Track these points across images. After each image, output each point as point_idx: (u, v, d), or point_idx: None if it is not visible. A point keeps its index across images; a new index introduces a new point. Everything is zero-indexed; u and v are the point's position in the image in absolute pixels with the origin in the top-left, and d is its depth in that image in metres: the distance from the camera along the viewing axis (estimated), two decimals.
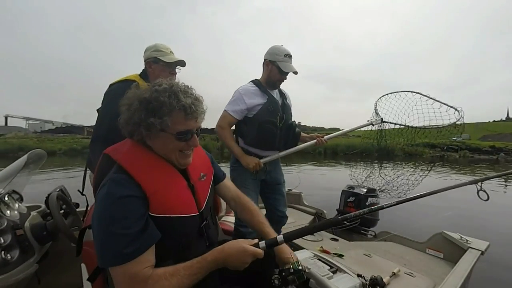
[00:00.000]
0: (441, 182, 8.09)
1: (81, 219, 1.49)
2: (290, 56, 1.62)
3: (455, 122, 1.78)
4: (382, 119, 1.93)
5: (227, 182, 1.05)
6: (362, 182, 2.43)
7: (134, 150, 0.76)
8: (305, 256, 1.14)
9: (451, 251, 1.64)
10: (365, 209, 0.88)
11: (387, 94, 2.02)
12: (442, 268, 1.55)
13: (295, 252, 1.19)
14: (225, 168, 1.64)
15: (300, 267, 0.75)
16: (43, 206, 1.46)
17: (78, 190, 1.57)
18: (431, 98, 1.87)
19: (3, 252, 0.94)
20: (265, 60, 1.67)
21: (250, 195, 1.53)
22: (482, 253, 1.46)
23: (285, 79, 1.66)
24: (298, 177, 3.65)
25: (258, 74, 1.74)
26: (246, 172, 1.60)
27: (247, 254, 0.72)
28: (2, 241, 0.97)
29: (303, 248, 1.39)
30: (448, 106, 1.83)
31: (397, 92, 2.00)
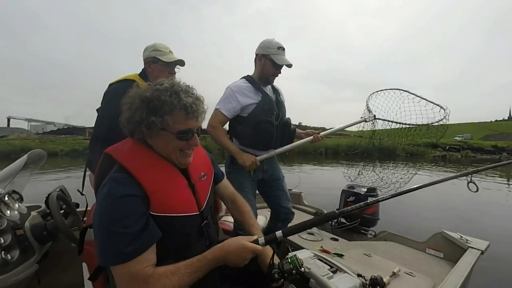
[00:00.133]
0: (447, 184, 8.09)
1: (81, 219, 1.49)
2: (283, 49, 1.56)
3: (441, 119, 1.77)
4: (374, 116, 1.91)
5: (225, 181, 1.07)
6: (354, 179, 2.43)
7: (135, 149, 0.77)
8: (305, 256, 1.14)
9: (451, 251, 1.64)
10: (361, 203, 0.89)
11: (377, 92, 2.02)
12: (442, 268, 1.55)
13: (295, 252, 1.19)
14: (222, 169, 1.64)
15: (294, 258, 0.76)
16: (43, 206, 1.46)
17: (78, 190, 1.57)
18: (418, 96, 1.88)
19: (3, 252, 0.95)
20: (257, 55, 1.60)
21: (248, 198, 1.52)
22: (482, 252, 1.46)
23: (280, 73, 1.59)
24: (298, 177, 3.65)
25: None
26: (243, 174, 1.56)
27: (247, 250, 0.73)
28: (2, 241, 0.97)
29: (303, 248, 1.39)
30: (435, 104, 1.83)
31: (386, 89, 2.00)
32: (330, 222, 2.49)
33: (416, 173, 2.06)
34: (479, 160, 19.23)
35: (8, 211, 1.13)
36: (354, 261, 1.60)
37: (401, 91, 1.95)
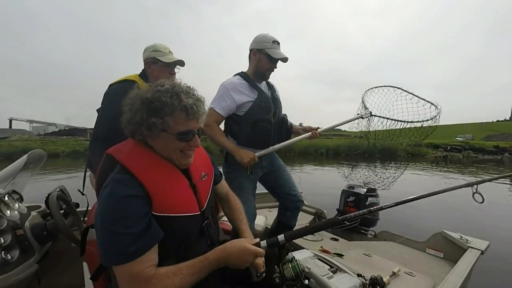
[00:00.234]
0: (443, 181, 8.09)
1: (82, 218, 1.49)
2: (278, 43, 1.52)
3: (435, 116, 1.77)
4: (371, 112, 1.90)
5: (223, 181, 1.10)
6: (347, 176, 2.44)
7: (136, 150, 0.77)
8: (305, 256, 1.14)
9: (451, 251, 1.64)
10: (364, 210, 0.89)
11: (371, 88, 2.02)
12: (442, 268, 1.55)
13: (295, 252, 1.19)
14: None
15: (295, 263, 0.76)
16: (43, 206, 1.46)
17: (79, 190, 1.58)
18: (411, 93, 1.88)
19: (3, 252, 0.95)
20: (251, 50, 1.55)
21: (248, 198, 1.50)
22: (482, 252, 1.46)
23: (275, 67, 1.55)
24: (298, 177, 3.65)
25: None
26: (241, 174, 1.53)
27: (249, 253, 0.73)
28: (2, 241, 0.97)
29: (303, 248, 1.39)
30: (426, 101, 1.83)
31: (380, 86, 2.00)
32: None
33: (406, 168, 2.07)
34: (481, 161, 19.19)
35: (8, 211, 1.13)
36: (354, 261, 1.60)
37: (395, 89, 1.95)
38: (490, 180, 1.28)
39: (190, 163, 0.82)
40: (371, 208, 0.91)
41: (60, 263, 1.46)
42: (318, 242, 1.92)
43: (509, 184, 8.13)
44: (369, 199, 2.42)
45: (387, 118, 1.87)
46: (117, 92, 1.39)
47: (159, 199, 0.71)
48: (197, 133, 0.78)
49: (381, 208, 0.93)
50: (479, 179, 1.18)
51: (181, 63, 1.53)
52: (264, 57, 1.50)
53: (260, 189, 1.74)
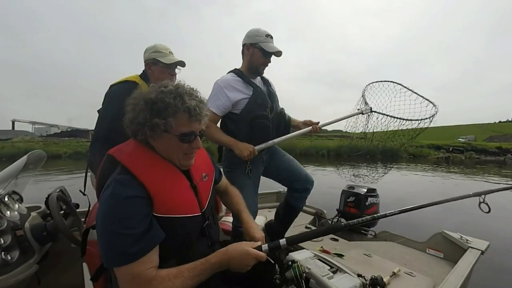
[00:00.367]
0: (444, 182, 8.08)
1: (84, 219, 1.49)
2: (272, 37, 1.49)
3: (433, 115, 1.74)
4: (371, 108, 1.87)
5: (223, 179, 1.11)
6: (338, 168, 2.42)
7: (137, 151, 0.77)
8: (305, 256, 1.14)
9: (451, 251, 1.64)
10: (368, 217, 0.89)
11: (372, 83, 1.99)
12: (442, 268, 1.55)
13: (295, 252, 1.19)
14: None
15: (297, 265, 0.76)
16: (43, 206, 1.46)
17: (80, 191, 1.58)
18: (410, 90, 1.85)
19: (3, 252, 0.95)
20: (244, 45, 1.50)
21: (248, 196, 1.46)
22: (482, 252, 1.46)
23: (269, 61, 1.52)
24: None
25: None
26: (241, 174, 1.50)
27: (250, 257, 0.73)
28: (2, 241, 0.97)
29: (303, 248, 1.39)
30: (425, 99, 1.80)
31: (381, 81, 1.97)
32: (330, 223, 2.48)
33: (392, 168, 2.07)
34: (483, 162, 19.16)
35: (8, 212, 1.13)
36: (354, 261, 1.60)
37: (395, 84, 1.93)
38: (498, 190, 1.25)
39: (191, 164, 0.82)
40: (375, 215, 0.91)
41: (60, 263, 1.46)
42: (318, 242, 1.93)
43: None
44: (369, 199, 2.42)
45: (387, 115, 1.83)
46: (118, 93, 1.39)
47: (160, 200, 0.71)
48: (199, 134, 0.78)
49: (385, 216, 0.92)
50: (487, 189, 1.17)
51: (181, 63, 1.53)
52: (258, 51, 1.47)
53: (260, 189, 1.73)
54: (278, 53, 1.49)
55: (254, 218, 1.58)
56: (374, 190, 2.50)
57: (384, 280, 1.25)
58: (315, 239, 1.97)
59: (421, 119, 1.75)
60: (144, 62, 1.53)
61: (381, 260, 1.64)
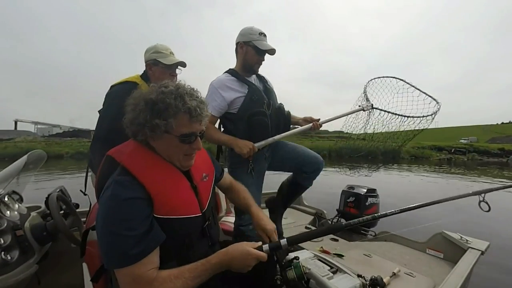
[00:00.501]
0: (447, 185, 8.07)
1: (82, 219, 1.49)
2: (265, 35, 1.48)
3: (435, 112, 1.72)
4: (372, 105, 1.84)
5: (225, 175, 1.10)
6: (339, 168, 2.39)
7: (137, 151, 0.77)
8: (305, 257, 1.14)
9: (451, 251, 1.64)
10: (368, 216, 0.89)
11: (374, 79, 1.96)
12: (442, 268, 1.55)
13: (295, 252, 1.19)
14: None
15: (298, 264, 0.76)
16: (43, 206, 1.46)
17: (81, 190, 1.58)
18: (413, 86, 1.82)
19: (3, 252, 0.95)
20: (238, 43, 1.50)
21: (254, 193, 1.49)
22: (482, 253, 1.46)
23: (263, 60, 1.51)
24: None
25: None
26: (245, 173, 1.50)
27: (251, 257, 0.73)
28: (2, 241, 0.97)
29: (303, 249, 1.39)
30: (428, 95, 1.77)
31: (382, 77, 1.94)
32: (330, 223, 2.48)
33: (383, 166, 2.08)
34: (486, 163, 19.12)
35: (8, 212, 1.13)
36: (354, 261, 1.60)
37: (397, 80, 1.91)
38: (498, 189, 1.25)
39: (191, 165, 0.82)
40: (375, 215, 0.92)
41: (60, 263, 1.46)
42: (318, 242, 1.92)
43: None
44: (369, 199, 2.42)
45: (389, 112, 1.80)
46: (119, 93, 1.39)
47: (160, 201, 0.71)
48: (200, 135, 0.78)
49: (385, 215, 0.92)
50: (487, 187, 1.18)
51: (182, 64, 1.53)
52: (251, 50, 1.46)
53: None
54: (272, 51, 1.49)
55: None
56: (374, 190, 2.50)
57: (384, 280, 1.25)
58: (315, 240, 1.97)
59: (423, 116, 1.72)
60: (145, 62, 1.53)
61: (381, 260, 1.64)
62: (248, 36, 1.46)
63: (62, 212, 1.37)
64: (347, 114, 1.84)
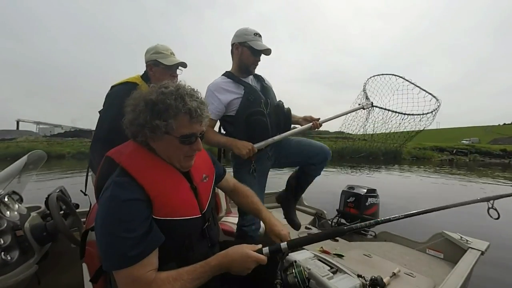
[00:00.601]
0: (449, 186, 8.06)
1: (82, 219, 1.49)
2: (260, 35, 1.47)
3: (435, 110, 1.71)
4: (372, 103, 1.83)
5: (227, 176, 1.08)
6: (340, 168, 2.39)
7: (137, 152, 0.76)
8: (305, 257, 1.14)
9: (451, 251, 1.64)
10: (371, 221, 0.89)
11: (373, 76, 1.94)
12: (442, 268, 1.55)
13: (295, 252, 1.19)
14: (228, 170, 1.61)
15: (300, 269, 0.76)
16: (43, 207, 1.46)
17: (81, 191, 1.58)
18: (413, 83, 1.82)
19: (3, 253, 0.94)
20: (233, 44, 1.49)
21: (256, 193, 1.49)
22: (482, 253, 1.46)
23: (259, 60, 1.50)
24: None
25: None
26: (247, 174, 1.49)
27: (250, 260, 0.73)
28: (2, 242, 0.97)
29: (303, 249, 1.39)
30: (427, 92, 1.77)
31: (382, 74, 1.93)
32: (330, 223, 2.48)
33: (380, 167, 2.05)
34: (488, 164, 19.07)
35: (8, 212, 1.13)
36: (354, 261, 1.60)
37: (396, 77, 1.89)
38: (508, 196, 1.22)
39: (191, 166, 0.82)
40: (379, 220, 0.90)
41: (59, 264, 1.46)
42: (318, 242, 1.92)
43: None
44: (369, 199, 2.42)
45: (388, 110, 1.80)
46: (119, 94, 1.39)
47: (159, 203, 0.71)
48: (200, 136, 0.78)
49: (389, 220, 0.91)
50: (496, 194, 1.15)
51: (183, 64, 1.53)
52: (247, 50, 1.46)
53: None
54: (267, 51, 1.48)
55: None
56: (374, 190, 2.50)
57: (384, 280, 1.25)
58: None
59: (423, 114, 1.71)
60: (145, 63, 1.52)
61: (381, 260, 1.63)
62: (243, 36, 1.46)
63: (62, 212, 1.37)
64: (347, 113, 1.83)
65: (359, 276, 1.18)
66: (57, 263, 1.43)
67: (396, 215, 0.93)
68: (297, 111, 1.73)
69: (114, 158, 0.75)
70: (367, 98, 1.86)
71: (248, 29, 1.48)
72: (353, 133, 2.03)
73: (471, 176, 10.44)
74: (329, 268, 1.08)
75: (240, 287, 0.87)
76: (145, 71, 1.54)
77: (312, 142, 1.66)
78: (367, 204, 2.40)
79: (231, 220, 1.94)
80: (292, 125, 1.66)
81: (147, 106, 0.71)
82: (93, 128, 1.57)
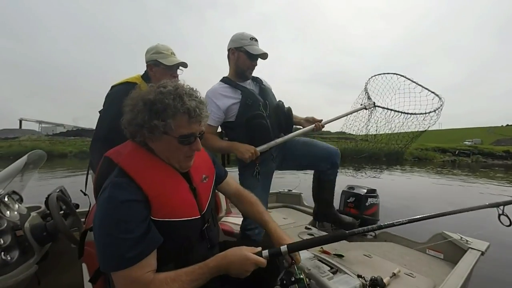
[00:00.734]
0: (450, 187, 8.06)
1: (82, 219, 1.49)
2: (256, 40, 1.48)
3: (438, 108, 1.68)
4: (374, 103, 1.81)
5: (228, 178, 1.06)
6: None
7: (135, 152, 0.76)
8: (305, 257, 1.14)
9: (451, 252, 1.64)
10: (374, 226, 0.87)
11: (375, 76, 1.92)
12: (442, 269, 1.55)
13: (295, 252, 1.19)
14: (234, 172, 1.60)
15: (302, 276, 0.75)
16: (43, 206, 1.46)
17: (81, 190, 1.58)
18: (415, 82, 1.80)
19: (3, 253, 0.94)
20: (229, 49, 1.51)
21: (259, 195, 1.47)
22: (482, 253, 1.46)
23: (256, 65, 1.51)
24: (298, 177, 3.65)
25: (259, 75, 1.63)
26: (251, 176, 1.47)
27: (250, 262, 0.72)
28: (2, 242, 0.97)
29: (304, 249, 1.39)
30: (430, 91, 1.74)
31: (383, 73, 1.91)
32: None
33: (387, 167, 2.05)
34: (490, 166, 19.03)
35: (8, 212, 1.13)
36: (354, 261, 1.60)
37: (398, 76, 1.86)
38: None
39: (190, 166, 0.81)
40: (382, 225, 0.89)
41: (60, 264, 1.46)
42: None
43: None
44: (369, 200, 2.42)
45: (391, 110, 1.77)
46: (119, 94, 1.39)
47: (158, 204, 0.70)
48: (199, 136, 0.77)
49: (393, 225, 0.90)
50: (506, 199, 1.10)
51: (183, 65, 1.52)
52: (243, 55, 1.46)
53: None
54: (264, 56, 1.48)
55: None
56: (374, 190, 2.49)
57: (384, 280, 1.25)
58: None
59: (426, 113, 1.69)
60: (146, 63, 1.52)
61: (381, 260, 1.63)
62: (239, 41, 1.46)
63: (62, 212, 1.37)
64: (349, 114, 1.82)
65: (359, 276, 1.18)
66: (57, 263, 1.43)
67: (400, 220, 0.91)
68: (298, 111, 1.72)
69: (112, 158, 0.75)
70: (369, 98, 1.84)
71: (244, 33, 1.48)
72: (355, 133, 2.01)
73: (473, 177, 10.44)
74: (329, 268, 1.09)
75: (240, 286, 0.87)
76: (145, 71, 1.54)
77: (318, 144, 1.64)
78: (367, 204, 2.39)
79: (231, 220, 1.94)
80: (294, 126, 1.65)
81: (145, 106, 0.70)
82: (94, 127, 1.57)
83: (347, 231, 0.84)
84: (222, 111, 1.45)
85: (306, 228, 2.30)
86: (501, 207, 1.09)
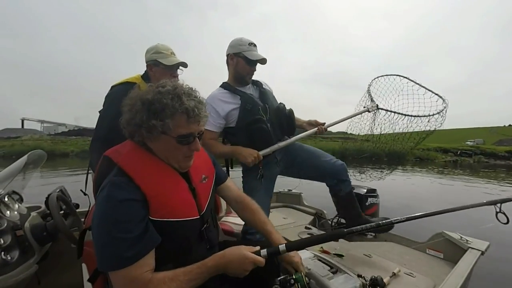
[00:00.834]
0: (452, 187, 8.05)
1: (82, 219, 1.49)
2: (255, 45, 1.48)
3: (442, 110, 1.67)
4: (377, 105, 1.80)
5: (229, 183, 1.04)
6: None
7: (134, 152, 0.76)
8: (305, 257, 1.14)
9: (451, 251, 1.64)
10: (372, 224, 0.88)
11: (377, 77, 1.91)
12: (442, 268, 1.55)
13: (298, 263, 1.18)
14: (236, 173, 1.58)
15: (301, 275, 0.75)
16: (43, 206, 1.46)
17: (81, 190, 1.58)
18: (418, 84, 1.79)
19: (3, 252, 0.95)
20: (228, 55, 1.51)
21: (261, 198, 1.42)
22: (482, 253, 1.46)
23: (255, 70, 1.51)
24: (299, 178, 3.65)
25: (260, 76, 1.57)
26: (254, 179, 1.47)
27: (248, 261, 0.72)
28: (2, 241, 0.97)
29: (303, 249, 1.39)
30: (434, 93, 1.73)
31: (386, 75, 1.90)
32: (330, 223, 2.48)
33: (395, 168, 2.04)
34: (492, 166, 18.98)
35: (8, 212, 1.13)
36: (354, 261, 1.60)
37: (401, 78, 1.85)
38: None
39: (189, 166, 0.81)
40: (380, 223, 0.89)
41: (60, 263, 1.46)
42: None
43: None
44: (369, 199, 2.41)
45: (394, 112, 1.76)
46: (119, 94, 1.39)
47: (156, 203, 0.70)
48: (198, 136, 0.77)
49: (391, 223, 0.90)
50: (504, 197, 1.10)
51: (183, 64, 1.52)
52: (242, 61, 1.46)
53: None
54: (263, 61, 1.48)
55: None
56: (374, 190, 2.49)
57: (384, 280, 1.25)
58: None
59: (430, 115, 1.68)
60: (146, 63, 1.52)
61: (381, 260, 1.63)
62: (238, 47, 1.46)
63: (62, 212, 1.37)
64: (352, 116, 1.81)
65: (359, 276, 1.18)
66: (57, 263, 1.43)
67: (398, 218, 0.92)
68: (299, 112, 1.71)
69: (112, 157, 0.75)
70: (372, 100, 1.83)
71: (242, 39, 1.48)
72: (359, 134, 2.00)
73: (475, 178, 10.43)
74: (329, 268, 1.09)
75: (240, 287, 0.87)
76: (145, 71, 1.54)
77: (325, 158, 1.61)
78: (367, 204, 2.39)
79: (231, 220, 1.94)
80: (296, 129, 1.64)
81: (144, 106, 0.70)
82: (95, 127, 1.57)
83: (345, 230, 0.84)
84: (222, 117, 1.45)
85: (306, 228, 2.30)
86: (498, 205, 1.09)
